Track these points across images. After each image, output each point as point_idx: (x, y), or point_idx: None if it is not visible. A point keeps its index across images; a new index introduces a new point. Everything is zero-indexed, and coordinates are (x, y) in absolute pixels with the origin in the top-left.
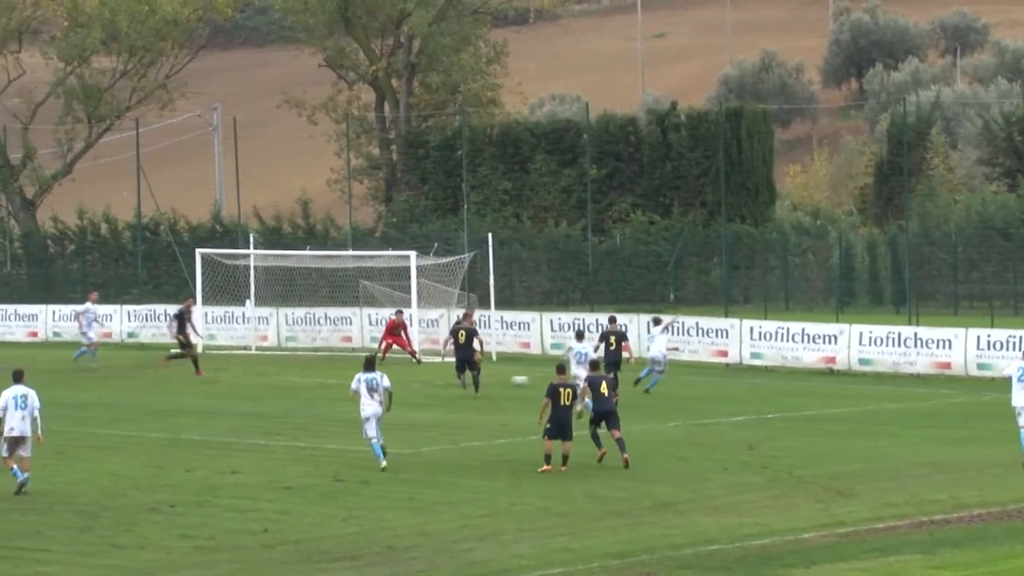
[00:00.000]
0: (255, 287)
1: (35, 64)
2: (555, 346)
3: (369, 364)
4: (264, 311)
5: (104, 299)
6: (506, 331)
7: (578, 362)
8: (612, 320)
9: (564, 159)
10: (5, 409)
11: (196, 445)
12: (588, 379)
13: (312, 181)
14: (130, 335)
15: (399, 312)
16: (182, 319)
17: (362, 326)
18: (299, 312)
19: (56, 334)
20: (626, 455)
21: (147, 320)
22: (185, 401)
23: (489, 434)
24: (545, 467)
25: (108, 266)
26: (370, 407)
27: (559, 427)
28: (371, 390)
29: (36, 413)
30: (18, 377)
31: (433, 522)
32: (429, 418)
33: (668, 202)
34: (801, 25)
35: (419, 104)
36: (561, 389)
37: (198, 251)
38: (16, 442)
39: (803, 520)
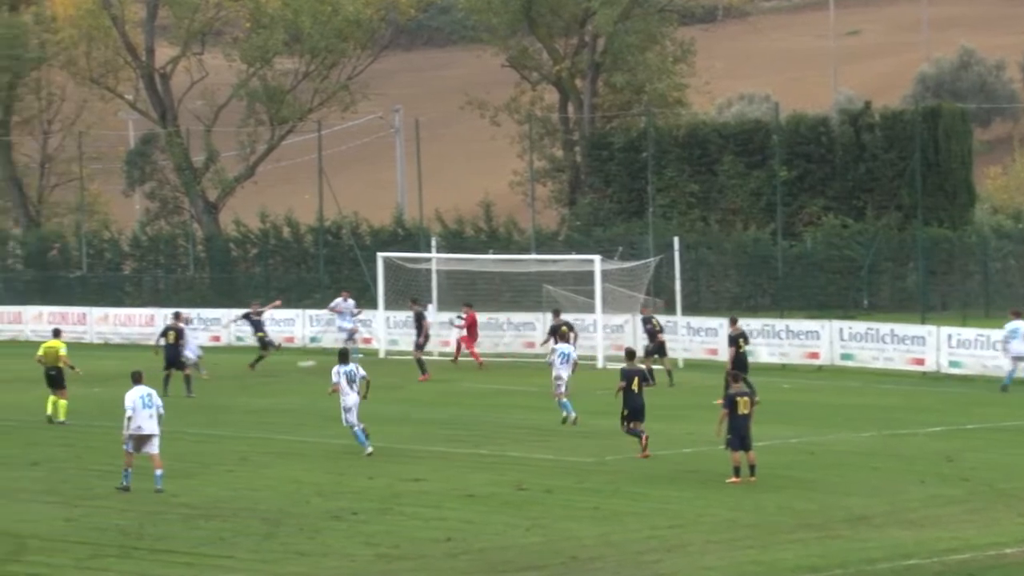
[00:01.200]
0: (437, 291)
1: (218, 66)
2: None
3: (343, 357)
4: (446, 316)
5: (286, 303)
6: (693, 337)
7: (561, 363)
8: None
9: (753, 160)
10: (133, 409)
11: (378, 452)
12: (623, 371)
13: (495, 183)
14: (312, 340)
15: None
16: (250, 318)
17: (545, 331)
18: (481, 317)
19: (239, 338)
20: (647, 450)
21: (329, 324)
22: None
23: (675, 443)
24: (733, 479)
25: (290, 270)
26: (350, 397)
27: (739, 437)
28: (350, 381)
29: (160, 411)
30: (138, 378)
31: (619, 532)
32: (613, 426)
33: (861, 205)
34: (1001, 22)
35: (603, 104)
36: (738, 398)
37: (380, 255)
38: (142, 440)
39: (1004, 535)
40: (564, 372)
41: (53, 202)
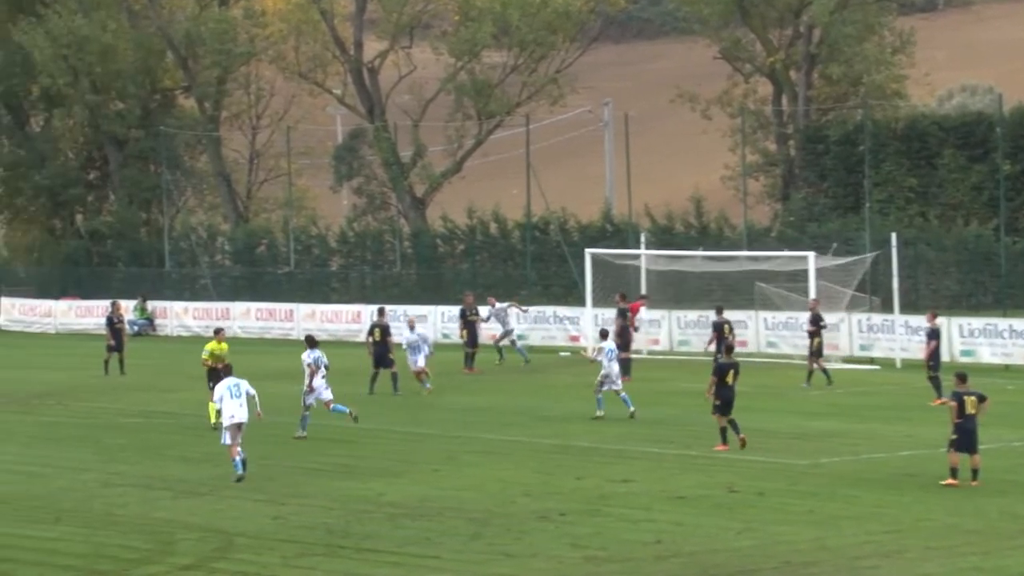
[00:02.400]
0: (646, 289)
1: (426, 60)
2: (965, 352)
3: (311, 342)
4: (656, 314)
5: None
6: (911, 337)
7: (609, 360)
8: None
9: (975, 154)
10: (221, 400)
11: (586, 452)
12: (719, 365)
13: (705, 178)
14: (520, 337)
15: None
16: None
17: (757, 330)
18: (691, 315)
19: (445, 335)
20: (742, 435)
21: (536, 322)
22: (574, 406)
23: (893, 446)
24: (949, 480)
25: (497, 266)
26: (318, 380)
27: (966, 439)
28: (317, 368)
29: (253, 396)
30: (227, 371)
31: (834, 537)
32: (828, 428)
33: None
34: None
35: (819, 97)
36: (966, 397)
37: (588, 251)
38: (239, 428)
39: None
40: (613, 368)
41: (261, 198)
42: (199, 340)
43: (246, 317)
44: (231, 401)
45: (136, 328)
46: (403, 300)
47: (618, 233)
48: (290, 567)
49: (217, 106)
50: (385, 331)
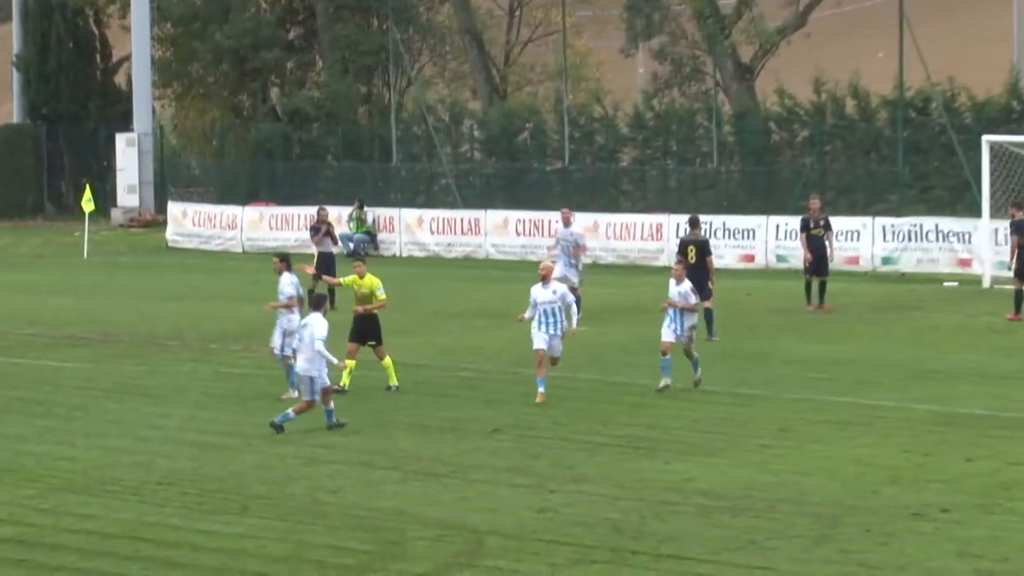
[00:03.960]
0: None
1: None
2: None
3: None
4: None
5: (851, 208)
6: None
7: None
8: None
9: None
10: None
11: (980, 423)
12: None
13: None
14: (885, 261)
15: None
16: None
17: None
18: None
19: (780, 258)
20: None
21: (909, 240)
22: (965, 359)
23: None
24: None
25: (854, 161)
26: (296, 319)
27: None
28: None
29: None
30: (318, 303)
31: None
32: None
33: None
34: None
35: None
36: None
37: (985, 139)
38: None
39: None
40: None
41: (524, 65)
42: (438, 263)
43: (502, 231)
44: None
45: (352, 245)
46: (721, 207)
47: None
48: None
49: None
50: (702, 250)
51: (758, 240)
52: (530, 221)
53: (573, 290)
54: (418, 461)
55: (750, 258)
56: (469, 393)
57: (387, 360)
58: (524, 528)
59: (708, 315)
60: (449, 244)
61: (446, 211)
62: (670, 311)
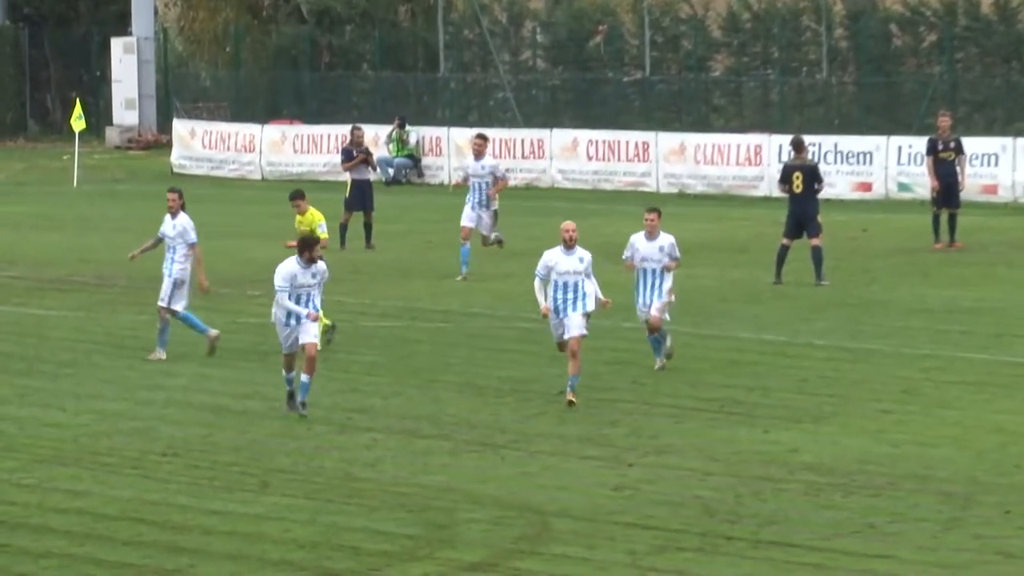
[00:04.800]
0: None
1: None
2: None
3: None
4: None
5: (988, 127)
6: None
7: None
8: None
9: None
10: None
11: None
12: None
13: None
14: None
15: None
16: None
17: None
18: None
19: (902, 187)
20: None
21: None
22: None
23: None
24: None
25: (992, 70)
26: (178, 266)
27: None
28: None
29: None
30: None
31: None
32: None
33: None
34: None
35: None
36: None
37: None
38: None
39: None
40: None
41: None
42: None
43: (570, 155)
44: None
45: (391, 171)
46: (832, 126)
47: None
48: (637, 568)
49: None
50: (810, 177)
51: (876, 165)
52: (604, 143)
53: (486, 242)
54: (471, 429)
55: (866, 187)
56: (531, 348)
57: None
58: (597, 509)
59: (816, 255)
60: (508, 170)
61: (503, 131)
62: (641, 274)
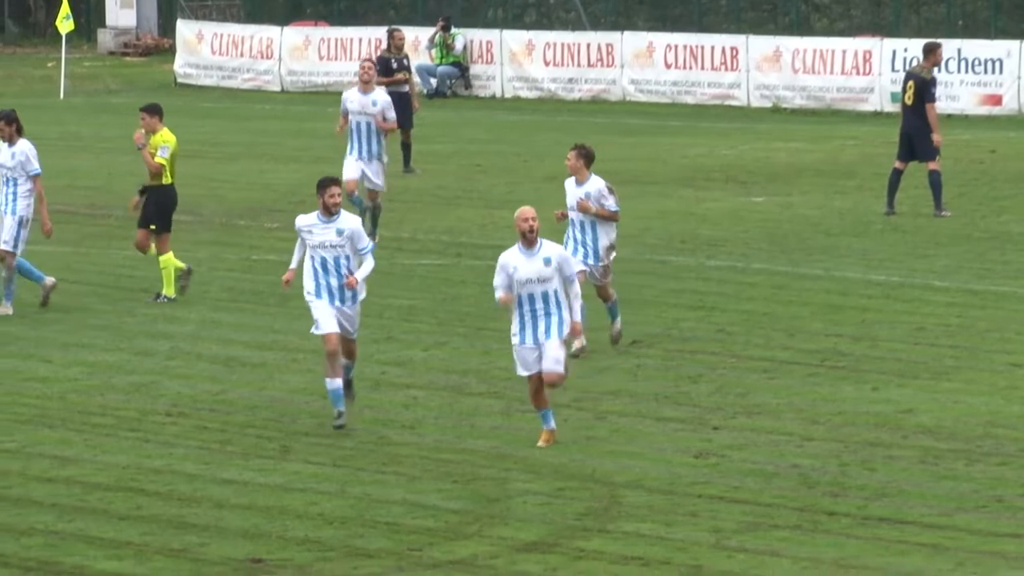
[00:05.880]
0: None
1: None
2: None
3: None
4: None
5: None
6: None
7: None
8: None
9: None
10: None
11: None
12: None
13: None
14: None
15: None
16: None
17: None
18: None
19: None
20: None
21: None
22: None
23: None
24: None
25: None
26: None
27: None
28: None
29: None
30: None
31: None
32: None
33: None
34: None
35: None
36: None
37: None
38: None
39: None
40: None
41: None
42: (554, 107)
43: (645, 62)
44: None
45: (434, 82)
46: (955, 28)
47: None
48: (722, 550)
49: None
50: (922, 88)
51: (1007, 75)
52: (684, 48)
53: (373, 197)
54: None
55: (995, 100)
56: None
57: (166, 258)
58: (676, 479)
59: (935, 181)
60: (571, 80)
61: (566, 34)
62: (570, 223)
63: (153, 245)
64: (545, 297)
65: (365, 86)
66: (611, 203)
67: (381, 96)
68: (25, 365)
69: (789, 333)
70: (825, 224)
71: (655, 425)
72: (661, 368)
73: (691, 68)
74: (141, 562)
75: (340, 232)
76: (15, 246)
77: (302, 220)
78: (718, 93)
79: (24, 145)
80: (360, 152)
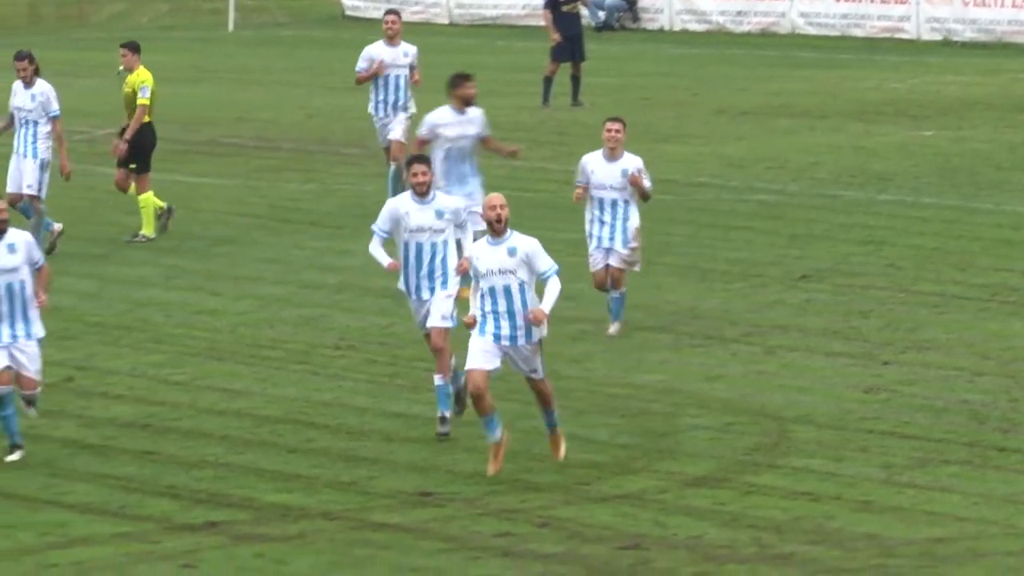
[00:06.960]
0: None
1: None
2: None
3: None
4: None
5: None
6: None
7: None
8: None
9: None
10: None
11: None
12: None
13: None
14: None
15: None
16: None
17: None
18: None
19: None
20: None
21: None
22: None
23: None
24: None
25: None
26: None
27: None
28: None
29: None
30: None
31: None
32: None
33: None
34: None
35: None
36: None
37: None
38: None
39: None
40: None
41: None
42: (723, 40)
43: None
44: None
45: (602, 15)
46: None
47: None
48: (892, 486)
49: None
50: None
51: None
52: None
53: (401, 150)
54: (695, 320)
55: None
56: (768, 225)
57: (145, 196)
58: (846, 415)
59: None
60: (740, 13)
61: None
62: (595, 203)
63: (133, 184)
64: (508, 293)
65: (391, 40)
66: (649, 182)
67: (411, 48)
68: (195, 298)
69: (959, 268)
70: (996, 158)
71: (824, 360)
72: (830, 303)
73: (861, 1)
74: (310, 495)
75: (440, 215)
76: (39, 190)
77: (390, 205)
78: (888, 26)
79: (44, 86)
80: (387, 108)
